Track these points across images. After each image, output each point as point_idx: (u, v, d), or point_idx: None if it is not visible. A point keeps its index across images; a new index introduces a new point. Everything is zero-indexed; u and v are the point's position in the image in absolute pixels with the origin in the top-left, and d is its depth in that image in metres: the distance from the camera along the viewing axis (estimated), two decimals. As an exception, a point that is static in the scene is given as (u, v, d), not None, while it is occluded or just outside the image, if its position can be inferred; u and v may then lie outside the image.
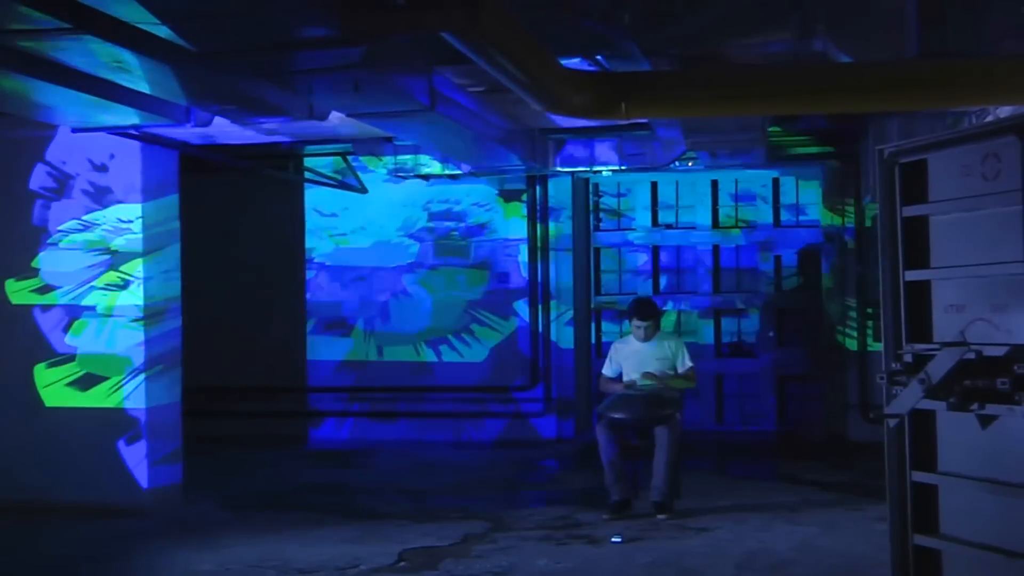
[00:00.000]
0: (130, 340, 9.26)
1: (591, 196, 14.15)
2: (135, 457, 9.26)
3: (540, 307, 13.35)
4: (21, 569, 7.84)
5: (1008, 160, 5.03)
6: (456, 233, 13.44)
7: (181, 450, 9.68)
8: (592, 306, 14.19)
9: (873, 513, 8.23)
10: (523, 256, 13.27)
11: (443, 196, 13.39)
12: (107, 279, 9.32)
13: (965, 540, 5.38)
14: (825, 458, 11.76)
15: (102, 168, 9.35)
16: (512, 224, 13.32)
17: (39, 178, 9.48)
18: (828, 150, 12.61)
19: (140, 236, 9.29)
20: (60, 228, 9.42)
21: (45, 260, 9.44)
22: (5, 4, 5.60)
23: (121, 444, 9.24)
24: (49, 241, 9.43)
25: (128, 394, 9.25)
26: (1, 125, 9.04)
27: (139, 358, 9.25)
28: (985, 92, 6.32)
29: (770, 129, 10.40)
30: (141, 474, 9.26)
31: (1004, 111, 6.41)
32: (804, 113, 10.19)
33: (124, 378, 9.25)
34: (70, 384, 9.35)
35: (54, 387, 9.37)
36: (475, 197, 13.37)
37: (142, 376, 9.24)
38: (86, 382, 9.33)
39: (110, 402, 9.26)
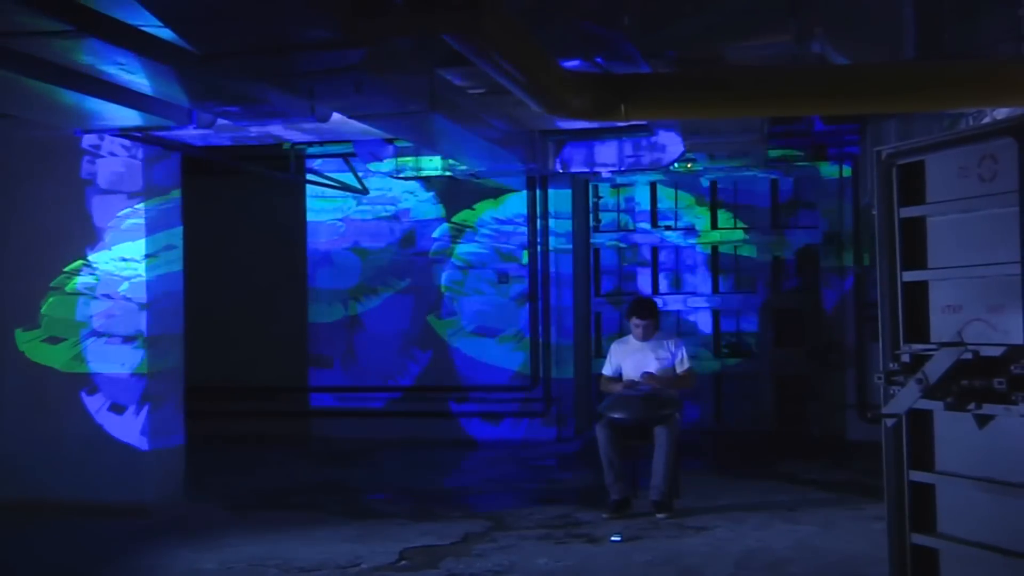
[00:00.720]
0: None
1: (591, 197, 14.15)
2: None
3: (540, 308, 13.38)
4: (27, 568, 7.84)
5: (1005, 162, 5.03)
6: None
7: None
8: (591, 307, 14.19)
9: (871, 512, 8.23)
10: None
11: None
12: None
13: (962, 539, 5.38)
14: (823, 457, 11.75)
15: (114, 168, 9.39)
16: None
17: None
18: (826, 151, 12.62)
19: (144, 236, 9.32)
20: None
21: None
22: (7, 6, 5.60)
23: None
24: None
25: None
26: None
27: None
28: (982, 94, 6.32)
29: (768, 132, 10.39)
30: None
31: (1001, 113, 6.41)
32: (802, 115, 10.19)
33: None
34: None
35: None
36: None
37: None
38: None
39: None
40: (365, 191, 13.36)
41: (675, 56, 7.15)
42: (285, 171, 12.48)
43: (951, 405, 5.17)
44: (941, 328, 5.43)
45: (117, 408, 9.31)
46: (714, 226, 13.87)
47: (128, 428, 9.30)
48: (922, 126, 8.24)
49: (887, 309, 5.68)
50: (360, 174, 13.18)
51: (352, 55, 6.36)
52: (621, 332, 9.73)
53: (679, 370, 9.30)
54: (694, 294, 13.91)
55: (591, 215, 14.18)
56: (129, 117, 8.22)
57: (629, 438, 9.02)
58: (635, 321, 9.31)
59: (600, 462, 8.98)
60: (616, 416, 9.00)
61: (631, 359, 9.28)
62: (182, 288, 9.77)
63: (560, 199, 13.48)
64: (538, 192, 13.30)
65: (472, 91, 8.01)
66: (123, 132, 8.95)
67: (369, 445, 13.00)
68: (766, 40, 6.94)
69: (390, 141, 11.04)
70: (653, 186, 13.97)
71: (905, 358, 5.47)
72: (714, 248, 13.90)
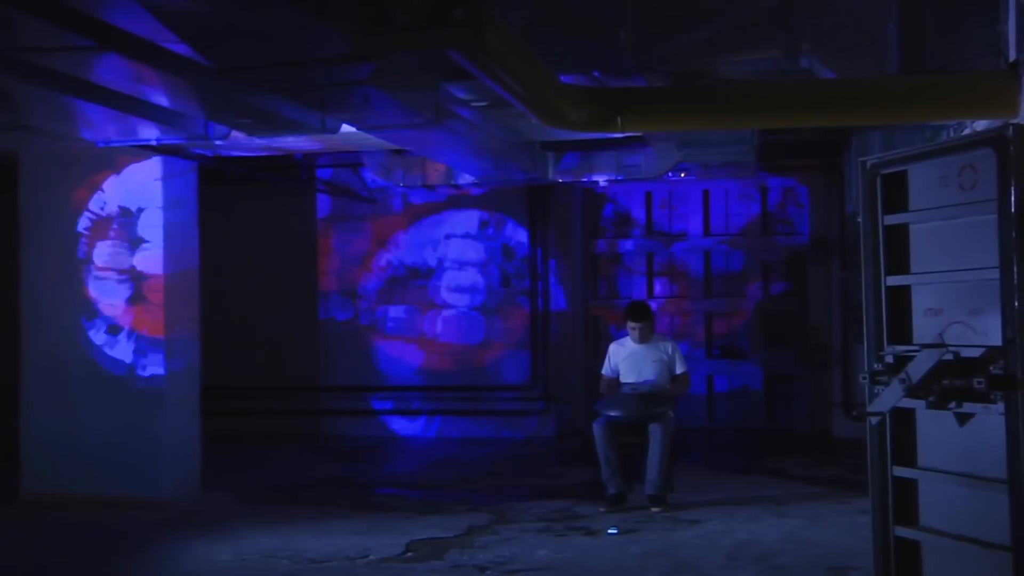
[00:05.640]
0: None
1: (589, 205, 14.14)
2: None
3: (541, 311, 13.39)
4: (48, 561, 7.85)
5: (984, 171, 5.03)
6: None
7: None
8: (589, 310, 14.18)
9: (856, 506, 8.24)
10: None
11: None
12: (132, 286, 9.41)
13: (943, 531, 5.39)
14: (811, 454, 11.76)
15: (132, 178, 9.42)
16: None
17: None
18: (813, 162, 12.61)
19: (160, 242, 9.34)
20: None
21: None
22: (32, 22, 5.61)
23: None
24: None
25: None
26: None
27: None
28: (962, 107, 6.30)
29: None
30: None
31: (980, 125, 6.40)
32: (791, 127, 10.17)
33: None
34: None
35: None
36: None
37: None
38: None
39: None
40: (373, 200, 13.37)
41: (669, 70, 7.14)
42: (297, 180, 12.49)
43: (933, 404, 5.18)
44: (923, 330, 5.44)
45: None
46: (706, 232, 13.87)
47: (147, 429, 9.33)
48: (905, 137, 8.23)
49: (872, 312, 5.68)
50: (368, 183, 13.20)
51: (361, 69, 6.35)
52: (618, 334, 9.75)
53: (676, 372, 9.30)
54: (688, 297, 13.90)
55: (589, 222, 14.17)
56: (147, 129, 8.23)
57: (625, 435, 9.02)
58: (631, 324, 9.32)
59: (597, 458, 8.98)
60: (613, 414, 9.01)
61: (628, 360, 9.29)
62: (198, 292, 9.78)
63: (560, 206, 13.51)
64: (539, 199, 13.33)
65: (475, 104, 8.00)
66: (141, 144, 8.94)
67: (376, 442, 13.01)
68: (756, 55, 6.93)
69: (397, 152, 11.04)
70: (648, 194, 13.98)
71: (889, 359, 5.48)
72: (707, 253, 13.89)
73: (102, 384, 9.35)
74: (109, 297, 9.39)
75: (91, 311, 9.41)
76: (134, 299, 9.36)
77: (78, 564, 7.72)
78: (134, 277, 9.36)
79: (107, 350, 9.37)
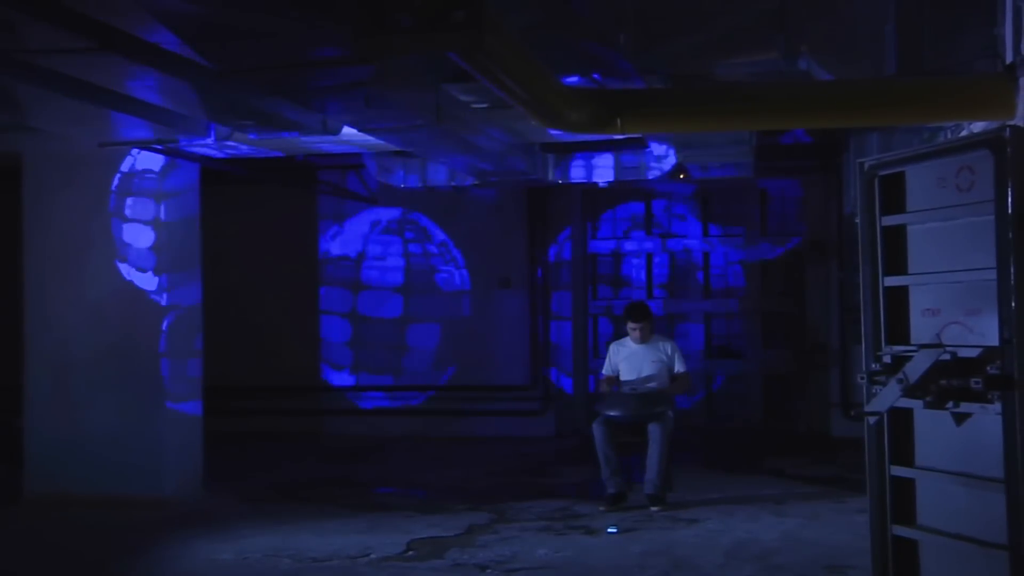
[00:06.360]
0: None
1: (588, 206, 14.14)
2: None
3: (540, 312, 13.40)
4: (51, 560, 7.85)
5: (981, 172, 5.03)
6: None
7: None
8: (589, 311, 14.18)
9: (854, 505, 8.24)
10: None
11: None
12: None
13: (941, 530, 5.39)
14: (809, 453, 11.76)
15: (135, 179, 9.45)
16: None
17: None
18: (812, 163, 12.61)
19: (164, 245, 9.35)
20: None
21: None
22: (34, 24, 5.62)
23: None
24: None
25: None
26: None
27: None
28: (959, 108, 6.31)
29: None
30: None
31: (977, 126, 6.40)
32: (789, 128, 10.19)
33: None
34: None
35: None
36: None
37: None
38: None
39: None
40: (374, 201, 13.37)
41: (669, 72, 7.15)
42: (299, 181, 12.49)
43: (930, 404, 5.18)
44: (921, 330, 5.44)
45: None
46: (705, 233, 13.87)
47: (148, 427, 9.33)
48: (903, 139, 8.24)
49: (870, 312, 5.68)
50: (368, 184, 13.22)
51: (362, 72, 6.36)
52: (617, 334, 9.74)
53: (675, 372, 9.30)
54: (687, 298, 13.90)
55: (588, 223, 14.17)
56: (149, 130, 8.23)
57: (624, 435, 9.03)
58: (631, 325, 9.32)
59: (597, 458, 8.98)
60: (612, 414, 9.01)
61: (628, 361, 9.29)
62: (200, 292, 9.80)
63: (559, 207, 13.52)
64: (538, 200, 13.34)
65: (476, 106, 8.00)
66: (144, 144, 8.96)
67: (377, 442, 13.00)
68: (755, 57, 6.94)
69: (398, 153, 11.05)
70: (647, 195, 13.98)
71: (887, 359, 5.48)
72: (705, 255, 13.89)
73: (103, 384, 9.37)
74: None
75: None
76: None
77: (81, 563, 7.72)
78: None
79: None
